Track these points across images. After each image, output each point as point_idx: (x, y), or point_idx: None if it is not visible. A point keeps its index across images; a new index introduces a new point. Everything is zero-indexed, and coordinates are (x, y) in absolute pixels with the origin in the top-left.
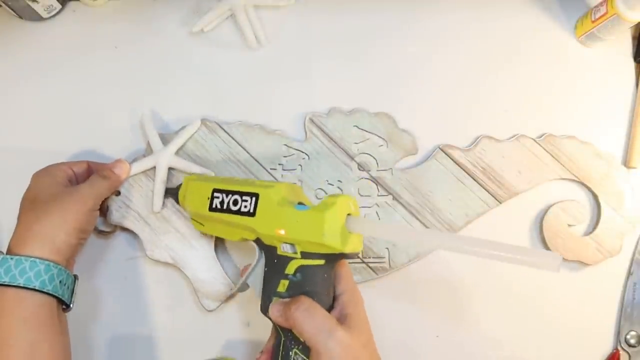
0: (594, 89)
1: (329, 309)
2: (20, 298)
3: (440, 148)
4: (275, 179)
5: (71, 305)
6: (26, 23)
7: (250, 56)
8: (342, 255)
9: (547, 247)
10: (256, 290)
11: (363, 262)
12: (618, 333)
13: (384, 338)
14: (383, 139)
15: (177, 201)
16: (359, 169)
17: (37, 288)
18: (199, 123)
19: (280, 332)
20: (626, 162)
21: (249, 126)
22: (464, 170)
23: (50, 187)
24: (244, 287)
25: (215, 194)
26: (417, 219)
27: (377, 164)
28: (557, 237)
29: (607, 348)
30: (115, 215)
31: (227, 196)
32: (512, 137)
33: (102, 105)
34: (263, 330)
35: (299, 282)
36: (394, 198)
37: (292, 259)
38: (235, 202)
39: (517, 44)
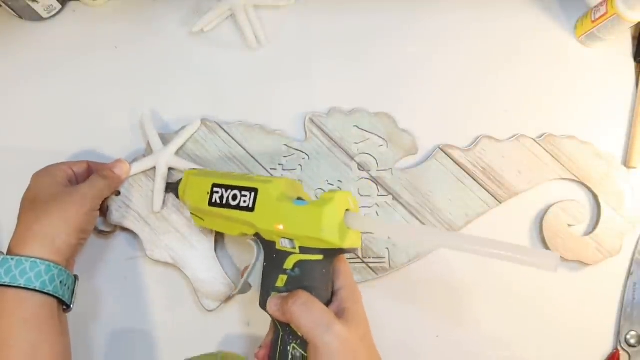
0: (594, 89)
1: (328, 303)
2: (21, 299)
3: (440, 148)
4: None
5: (71, 305)
6: (26, 23)
7: (250, 56)
8: (341, 251)
9: (547, 247)
10: (255, 286)
11: (363, 262)
12: (618, 333)
13: (384, 338)
14: (383, 139)
15: (178, 196)
16: (359, 169)
17: (37, 289)
18: (199, 123)
19: (279, 326)
20: (626, 162)
21: (249, 126)
22: (464, 170)
23: (50, 187)
24: (245, 288)
25: (215, 189)
26: (417, 219)
27: (377, 164)
28: (557, 237)
29: (607, 348)
30: (115, 215)
31: (226, 191)
32: (512, 137)
33: (102, 105)
34: (263, 330)
35: (298, 277)
36: (394, 198)
37: (290, 254)
38: (234, 197)
39: (517, 44)
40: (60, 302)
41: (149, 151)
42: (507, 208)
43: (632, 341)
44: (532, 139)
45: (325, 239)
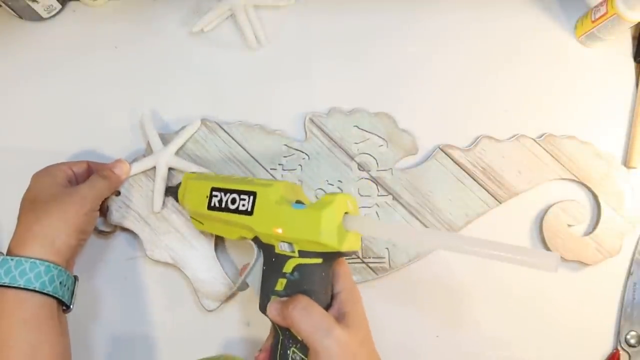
0: (594, 89)
1: (327, 307)
2: (21, 299)
3: (440, 148)
4: (275, 178)
5: (71, 306)
6: (26, 23)
7: (250, 56)
8: (340, 254)
9: (547, 247)
10: (255, 288)
11: (363, 262)
12: (618, 333)
13: (383, 338)
14: (383, 139)
15: (177, 200)
16: (359, 169)
17: (37, 289)
18: (199, 123)
19: (279, 330)
20: (626, 162)
21: (249, 126)
22: (464, 170)
23: (50, 188)
24: (244, 286)
25: (214, 193)
26: (417, 219)
27: (377, 164)
28: (556, 237)
29: (607, 348)
30: (115, 216)
31: (225, 195)
32: (512, 137)
33: (102, 105)
34: (263, 330)
35: (297, 281)
36: (394, 198)
37: (290, 257)
38: (233, 201)
39: (517, 44)
40: (60, 302)
41: (149, 151)
42: (507, 208)
43: (632, 341)
44: (532, 139)
45: (324, 243)
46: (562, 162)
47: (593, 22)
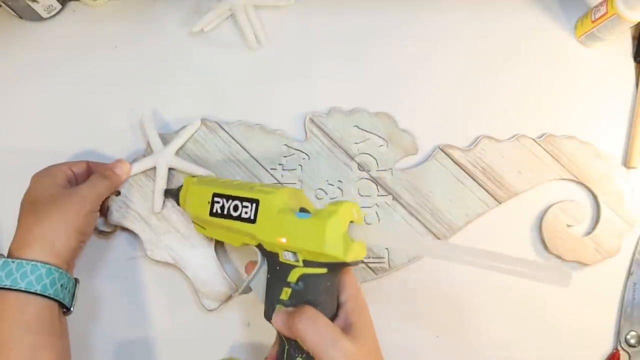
0: (594, 89)
1: (333, 317)
2: (22, 302)
3: (440, 148)
4: (276, 178)
5: (72, 308)
6: (26, 23)
7: (250, 56)
8: (345, 264)
9: (546, 248)
10: (259, 295)
11: (363, 262)
12: (618, 333)
13: (383, 338)
14: (383, 139)
15: (178, 203)
16: (359, 169)
17: (38, 292)
18: (199, 123)
19: (284, 340)
20: (626, 162)
21: (249, 126)
22: (463, 170)
23: (50, 189)
24: (247, 290)
25: (216, 199)
26: (417, 219)
27: (377, 164)
28: (556, 237)
29: (607, 348)
30: (116, 216)
31: (227, 201)
32: (512, 137)
33: (102, 105)
34: (263, 330)
35: (302, 291)
36: (394, 198)
37: (294, 266)
38: (235, 208)
39: (517, 44)
40: (61, 305)
41: (149, 151)
42: (506, 208)
43: (632, 341)
44: (532, 139)
45: (329, 254)
46: (562, 163)
47: (593, 22)
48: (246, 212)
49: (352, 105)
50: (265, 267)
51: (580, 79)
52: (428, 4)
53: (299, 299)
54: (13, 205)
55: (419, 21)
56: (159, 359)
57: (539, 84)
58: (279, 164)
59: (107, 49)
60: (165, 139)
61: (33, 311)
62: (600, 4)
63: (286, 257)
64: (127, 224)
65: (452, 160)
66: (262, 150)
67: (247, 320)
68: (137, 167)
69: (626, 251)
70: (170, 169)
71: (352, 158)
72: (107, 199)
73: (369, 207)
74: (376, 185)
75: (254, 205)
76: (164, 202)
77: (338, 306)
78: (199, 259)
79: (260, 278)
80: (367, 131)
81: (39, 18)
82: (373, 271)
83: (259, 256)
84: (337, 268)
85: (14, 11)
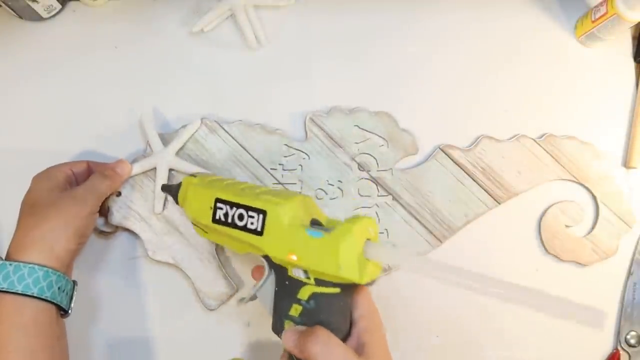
0: (594, 89)
1: (346, 336)
2: (19, 305)
3: (440, 148)
4: (276, 178)
5: (69, 311)
6: (26, 23)
7: (250, 56)
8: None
9: (545, 248)
10: (266, 306)
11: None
12: (618, 333)
13: None
14: (383, 138)
15: (177, 202)
16: (359, 169)
17: (35, 295)
18: (199, 123)
19: (294, 357)
20: (626, 162)
21: (249, 126)
22: (463, 170)
23: (49, 191)
24: (254, 297)
25: (219, 205)
26: (417, 219)
27: (377, 164)
28: (555, 237)
29: (607, 348)
30: (116, 216)
31: (231, 208)
32: (513, 137)
33: (102, 105)
34: (263, 330)
35: (314, 310)
36: (394, 198)
37: (305, 284)
38: (240, 217)
39: (517, 44)
40: (58, 307)
41: (149, 151)
42: (506, 209)
43: (632, 341)
44: (532, 139)
45: (344, 277)
46: (562, 163)
47: (593, 22)
48: (252, 223)
49: (352, 106)
50: (272, 278)
51: (580, 79)
52: (428, 4)
53: (310, 318)
54: (13, 206)
55: (419, 21)
56: (159, 359)
57: (539, 84)
58: (279, 164)
59: (107, 49)
60: (165, 139)
61: (30, 314)
62: (600, 4)
63: (296, 274)
64: (128, 224)
65: (452, 160)
66: (262, 150)
67: (247, 320)
68: (137, 168)
69: (626, 251)
70: (170, 170)
71: (352, 158)
72: (107, 199)
73: (369, 207)
74: (376, 185)
75: (261, 216)
76: (164, 203)
77: (351, 324)
78: (200, 259)
79: (267, 288)
80: (367, 131)
81: (39, 18)
82: None
83: (265, 266)
84: (351, 287)
85: (14, 11)
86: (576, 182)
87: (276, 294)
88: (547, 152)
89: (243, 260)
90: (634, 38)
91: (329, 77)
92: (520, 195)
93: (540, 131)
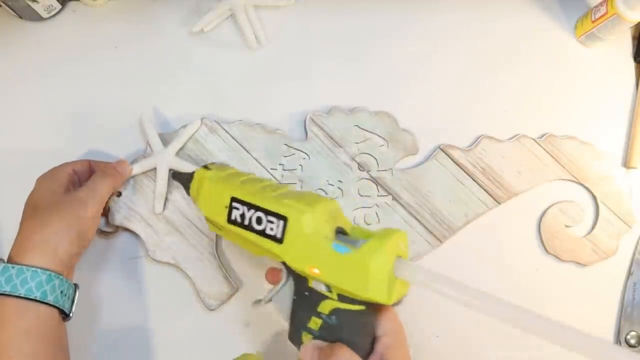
0: (594, 89)
1: (368, 353)
2: (21, 309)
3: (440, 148)
4: (276, 179)
5: (71, 314)
6: (26, 23)
7: (250, 56)
8: None
9: (545, 248)
10: (283, 312)
11: None
12: (618, 333)
13: None
14: (384, 138)
15: (188, 192)
16: (359, 169)
17: (38, 299)
18: (199, 123)
19: None
20: (626, 162)
21: (249, 125)
22: (463, 170)
23: (53, 193)
24: (268, 301)
25: (235, 204)
26: (417, 219)
27: (378, 164)
28: (554, 238)
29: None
30: (117, 217)
31: (248, 210)
32: (513, 137)
33: (102, 105)
34: (263, 331)
35: (335, 327)
36: (394, 198)
37: (326, 297)
38: (258, 220)
39: (517, 44)
40: (60, 311)
41: (149, 151)
42: (506, 209)
43: (632, 341)
44: (533, 139)
45: (372, 298)
46: (562, 163)
47: (593, 22)
48: (271, 229)
49: (352, 106)
50: (291, 283)
51: (580, 79)
52: (428, 4)
53: (331, 334)
54: (12, 206)
55: (419, 21)
56: (159, 358)
57: (539, 84)
58: (279, 164)
59: (107, 49)
60: (165, 139)
61: (33, 318)
62: (600, 4)
63: (318, 288)
64: (129, 224)
65: (452, 160)
66: (262, 150)
67: (247, 320)
68: (138, 168)
69: (626, 251)
70: (170, 170)
71: (352, 158)
72: (108, 199)
73: (369, 208)
74: (376, 185)
75: (282, 222)
76: (165, 204)
77: (374, 339)
78: (200, 259)
79: (284, 293)
80: (367, 131)
81: (39, 18)
82: None
83: (283, 271)
84: (377, 305)
85: (14, 11)
86: (576, 182)
87: (294, 302)
88: (547, 152)
89: (243, 261)
90: (634, 38)
91: (329, 77)
92: (520, 195)
93: (540, 131)
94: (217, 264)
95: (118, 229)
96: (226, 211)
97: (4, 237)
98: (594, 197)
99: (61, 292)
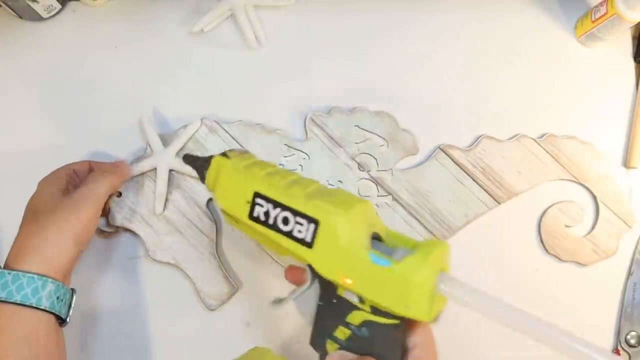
0: (594, 89)
1: None
2: (18, 315)
3: (440, 148)
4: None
5: (67, 320)
6: (26, 23)
7: (250, 56)
8: None
9: (545, 248)
10: (305, 316)
11: None
12: (618, 333)
13: None
14: (384, 138)
15: (202, 180)
16: (359, 169)
17: (34, 305)
18: (199, 123)
19: None
20: (626, 162)
21: (249, 126)
22: (463, 170)
23: (52, 196)
24: (289, 301)
25: (258, 200)
26: (417, 219)
27: (378, 164)
28: (554, 238)
29: (607, 348)
30: (118, 217)
31: (274, 208)
32: (513, 137)
33: (102, 105)
34: (263, 331)
35: (366, 339)
36: (394, 198)
37: (357, 308)
38: (285, 221)
39: (517, 44)
40: (57, 316)
41: (149, 152)
42: (506, 209)
43: (632, 341)
44: (533, 139)
45: (412, 316)
46: (562, 163)
47: (593, 22)
48: (300, 231)
49: (352, 106)
50: (316, 287)
51: (580, 79)
52: (428, 4)
53: (360, 346)
54: (12, 206)
55: (419, 21)
56: (159, 358)
57: (539, 84)
58: (279, 164)
59: (107, 49)
60: (165, 139)
61: (29, 325)
62: (600, 4)
63: (349, 298)
64: (129, 225)
65: (452, 160)
66: (262, 150)
67: (247, 320)
68: (138, 168)
69: (626, 251)
70: (170, 170)
71: (352, 158)
72: (108, 200)
73: None
74: (376, 185)
75: (312, 225)
76: (165, 204)
77: (404, 351)
78: (200, 259)
79: (308, 296)
80: (367, 131)
81: (39, 18)
82: None
83: (308, 273)
84: (411, 319)
85: (14, 11)
86: (576, 182)
87: (320, 308)
88: (547, 152)
89: (243, 261)
90: (634, 38)
91: (329, 77)
92: (520, 195)
93: (540, 131)
94: (217, 264)
95: (118, 229)
96: (248, 207)
97: (3, 238)
98: (594, 197)
99: (57, 297)
